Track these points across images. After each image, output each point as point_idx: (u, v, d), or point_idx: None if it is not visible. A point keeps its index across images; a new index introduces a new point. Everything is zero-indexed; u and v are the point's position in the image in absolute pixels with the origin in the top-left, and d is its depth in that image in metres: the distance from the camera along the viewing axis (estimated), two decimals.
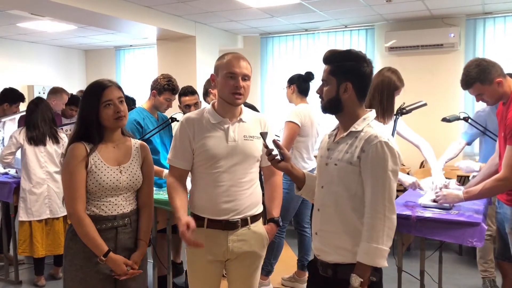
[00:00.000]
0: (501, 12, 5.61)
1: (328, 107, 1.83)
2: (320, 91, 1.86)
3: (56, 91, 4.81)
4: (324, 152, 1.90)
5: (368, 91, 1.84)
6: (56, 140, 3.82)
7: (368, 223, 1.71)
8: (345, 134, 1.81)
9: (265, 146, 1.87)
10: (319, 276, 1.88)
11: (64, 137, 3.89)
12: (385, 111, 2.85)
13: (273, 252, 3.73)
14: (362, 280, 1.68)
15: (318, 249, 1.88)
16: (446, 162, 3.32)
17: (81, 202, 2.00)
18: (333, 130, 1.94)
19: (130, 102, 5.25)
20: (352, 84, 1.77)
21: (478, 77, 2.49)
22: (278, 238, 3.72)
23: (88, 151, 2.03)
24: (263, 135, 1.89)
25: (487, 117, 3.44)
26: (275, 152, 1.86)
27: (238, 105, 2.12)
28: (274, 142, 1.89)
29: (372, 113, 1.84)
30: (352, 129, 1.79)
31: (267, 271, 3.75)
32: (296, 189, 2.03)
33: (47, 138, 3.78)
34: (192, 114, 2.19)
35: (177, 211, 2.05)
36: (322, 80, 1.85)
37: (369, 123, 1.79)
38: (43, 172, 3.78)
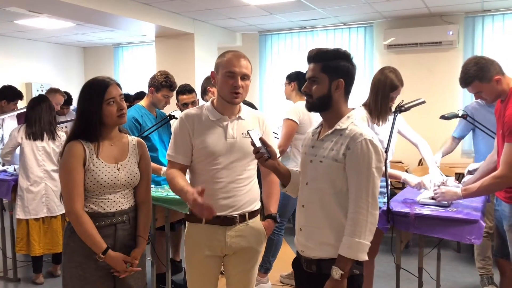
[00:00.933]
0: (500, 10, 5.61)
1: (318, 104, 1.85)
2: (308, 89, 1.86)
3: (50, 91, 4.83)
4: (308, 150, 1.92)
5: (351, 89, 1.86)
6: (53, 138, 3.81)
7: (351, 218, 1.74)
8: (330, 131, 1.84)
9: (252, 144, 1.89)
10: (303, 272, 1.91)
11: (62, 136, 3.89)
12: (380, 113, 2.81)
13: (271, 249, 3.73)
14: (342, 272, 1.72)
15: (302, 245, 1.91)
16: (442, 157, 3.36)
17: (79, 200, 2.00)
18: (316, 128, 1.96)
19: (142, 96, 5.27)
20: (344, 81, 1.80)
21: (477, 75, 2.49)
22: (277, 235, 3.73)
23: (86, 149, 2.03)
24: (250, 133, 1.90)
25: (474, 111, 3.47)
26: (262, 150, 1.88)
27: (237, 103, 2.13)
28: (261, 140, 1.90)
29: (355, 111, 1.86)
30: (337, 126, 1.82)
31: (265, 268, 3.75)
32: (281, 186, 2.05)
33: (45, 135, 3.77)
34: (192, 110, 2.19)
35: (183, 188, 2.00)
36: (310, 78, 1.84)
37: (353, 121, 1.81)
38: (41, 170, 3.77)
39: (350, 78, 1.83)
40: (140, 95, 5.65)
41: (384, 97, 2.81)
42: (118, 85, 2.09)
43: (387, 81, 2.81)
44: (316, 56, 1.84)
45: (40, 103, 3.78)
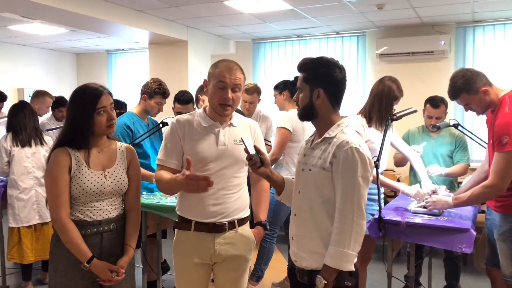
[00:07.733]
0: (490, 21, 5.70)
1: (304, 114, 1.88)
2: (296, 98, 1.90)
3: (38, 94, 4.72)
4: (301, 158, 1.93)
5: (342, 96, 1.86)
6: (41, 143, 3.77)
7: (337, 227, 1.74)
8: (320, 140, 1.85)
9: (246, 151, 1.89)
10: (298, 282, 1.91)
11: (49, 140, 3.85)
12: (383, 120, 2.84)
13: (263, 257, 3.72)
14: (326, 282, 1.71)
15: (294, 254, 1.91)
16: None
17: (64, 208, 1.97)
18: (310, 136, 1.97)
19: (123, 106, 5.21)
20: (324, 90, 1.80)
21: (464, 87, 2.52)
22: (269, 243, 3.72)
23: (72, 156, 2.01)
24: (244, 139, 1.91)
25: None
26: (256, 157, 1.88)
27: (226, 116, 2.14)
28: (255, 147, 1.91)
29: (346, 120, 1.87)
30: (326, 135, 1.83)
31: (257, 276, 3.74)
32: (275, 194, 2.05)
33: (32, 141, 3.73)
34: (184, 116, 2.20)
35: (170, 179, 1.97)
36: (297, 87, 1.89)
37: (342, 129, 1.82)
38: (30, 177, 3.73)
39: (333, 86, 1.81)
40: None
41: (387, 105, 2.87)
42: (110, 93, 2.07)
43: (390, 91, 2.87)
44: (301, 66, 1.87)
45: (22, 109, 3.74)
